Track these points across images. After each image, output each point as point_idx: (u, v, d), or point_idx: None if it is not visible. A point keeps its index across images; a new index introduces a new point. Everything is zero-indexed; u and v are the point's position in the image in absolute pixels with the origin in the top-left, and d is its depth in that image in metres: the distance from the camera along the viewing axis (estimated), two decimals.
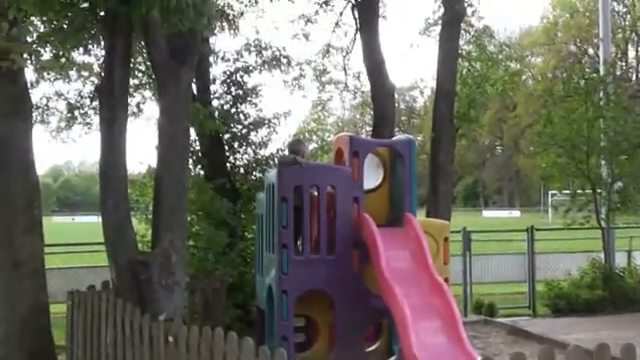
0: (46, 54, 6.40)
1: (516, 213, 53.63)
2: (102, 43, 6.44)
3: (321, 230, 5.77)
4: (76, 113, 9.63)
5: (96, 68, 7.18)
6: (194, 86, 8.83)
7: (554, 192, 20.94)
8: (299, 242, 5.91)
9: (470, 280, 10.79)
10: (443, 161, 10.58)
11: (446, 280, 5.50)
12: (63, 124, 10.02)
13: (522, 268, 11.37)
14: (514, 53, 17.90)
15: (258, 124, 9.60)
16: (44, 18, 6.15)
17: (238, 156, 9.57)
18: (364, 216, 5.77)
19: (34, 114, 7.65)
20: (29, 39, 5.89)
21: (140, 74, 9.66)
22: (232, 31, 10.28)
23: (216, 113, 9.42)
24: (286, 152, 8.11)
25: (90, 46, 6.85)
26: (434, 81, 11.27)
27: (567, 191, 12.57)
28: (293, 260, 5.67)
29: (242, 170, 9.49)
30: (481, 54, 13.36)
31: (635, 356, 3.23)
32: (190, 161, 8.74)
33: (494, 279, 11.82)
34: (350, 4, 12.33)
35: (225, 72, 9.89)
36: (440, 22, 11.64)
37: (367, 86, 12.66)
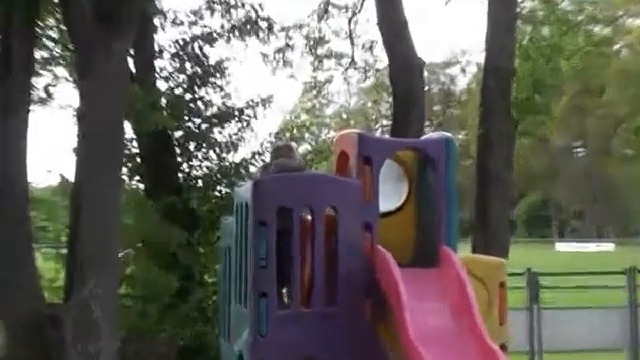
0: None
1: (608, 246, 53.67)
2: None
3: (317, 271, 5.75)
4: None
5: None
6: (131, 62, 8.89)
7: None
8: (284, 289, 5.93)
9: (539, 347, 10.77)
10: (496, 170, 10.64)
11: (503, 347, 5.49)
12: None
13: (619, 329, 11.30)
14: (600, 13, 18.03)
15: (224, 116, 9.69)
16: None
17: (195, 163, 9.64)
18: (380, 251, 5.76)
19: None
20: None
21: (51, 43, 9.70)
22: None
23: (163, 100, 9.50)
24: (267, 159, 8.13)
25: None
26: (482, 54, 11.38)
27: None
28: (275, 316, 5.64)
29: (201, 183, 9.54)
30: (551, 15, 13.45)
31: None
32: (124, 170, 8.77)
33: (575, 345, 11.70)
34: None
35: (177, 41, 10.03)
36: None
37: (384, 61, 12.75)
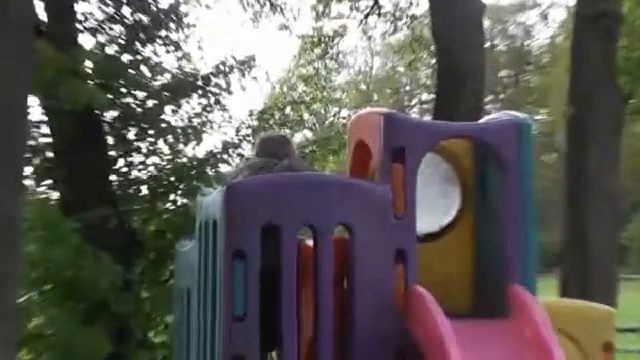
0: None
1: None
2: None
3: (321, 323, 5.69)
4: None
5: None
6: (40, 6, 9.10)
7: None
8: (272, 352, 6.00)
9: None
10: (595, 169, 10.46)
11: None
12: None
13: None
14: None
15: (182, 88, 9.63)
16: None
17: (137, 159, 9.65)
18: (419, 293, 5.67)
19: None
20: None
21: None
22: None
23: (89, 64, 9.41)
24: (246, 153, 8.03)
25: None
26: None
27: None
28: None
29: (145, 190, 9.56)
30: None
31: None
32: (29, 170, 8.73)
33: None
34: None
35: None
36: None
37: (422, 4, 12.75)
